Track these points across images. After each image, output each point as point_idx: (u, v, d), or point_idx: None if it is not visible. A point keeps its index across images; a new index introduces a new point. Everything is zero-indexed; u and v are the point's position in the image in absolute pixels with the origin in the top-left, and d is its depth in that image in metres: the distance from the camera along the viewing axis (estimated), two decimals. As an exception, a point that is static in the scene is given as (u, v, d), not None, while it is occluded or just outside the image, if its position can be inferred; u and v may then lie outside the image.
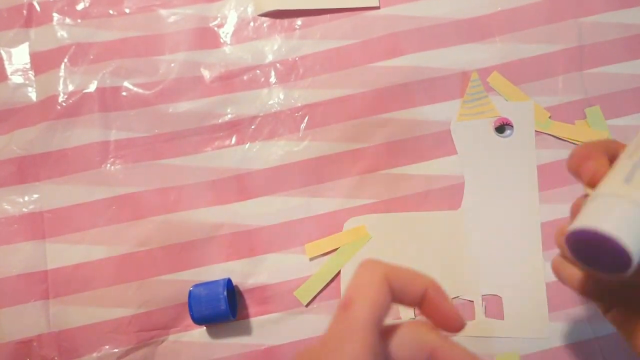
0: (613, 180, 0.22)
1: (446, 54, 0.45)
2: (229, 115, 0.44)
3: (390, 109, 0.44)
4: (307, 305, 0.41)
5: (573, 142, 0.43)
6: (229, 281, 0.40)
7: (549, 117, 0.43)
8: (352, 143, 0.44)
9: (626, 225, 0.20)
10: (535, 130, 0.43)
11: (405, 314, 0.40)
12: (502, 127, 0.43)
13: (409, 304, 0.23)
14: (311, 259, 0.42)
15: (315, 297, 0.41)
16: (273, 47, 0.46)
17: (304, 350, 0.22)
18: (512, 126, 0.43)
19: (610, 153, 0.25)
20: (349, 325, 0.21)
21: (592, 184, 0.24)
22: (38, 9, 0.46)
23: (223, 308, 0.38)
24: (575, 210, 0.26)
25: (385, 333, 0.22)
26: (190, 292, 0.39)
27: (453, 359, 0.22)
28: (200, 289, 0.39)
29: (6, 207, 0.43)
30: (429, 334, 0.22)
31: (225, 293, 0.38)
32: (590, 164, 0.25)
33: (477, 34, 0.45)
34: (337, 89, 0.44)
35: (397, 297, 0.22)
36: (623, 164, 0.23)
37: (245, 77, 0.45)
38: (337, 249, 0.42)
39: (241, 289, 0.41)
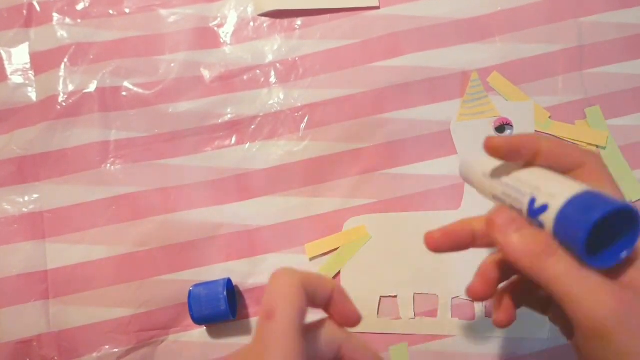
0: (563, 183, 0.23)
1: (446, 54, 0.45)
2: (229, 115, 0.44)
3: (390, 109, 0.44)
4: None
5: (573, 142, 0.43)
6: (229, 281, 0.40)
7: (549, 117, 0.43)
8: (352, 143, 0.44)
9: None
10: (535, 131, 0.43)
11: (404, 313, 0.40)
12: (502, 127, 0.43)
13: (319, 306, 0.26)
14: (311, 259, 0.42)
15: (315, 297, 0.41)
16: (273, 47, 0.46)
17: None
18: (512, 126, 0.43)
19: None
20: (273, 335, 0.22)
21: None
22: (38, 9, 0.46)
23: (223, 308, 0.38)
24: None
25: (306, 332, 0.24)
26: (190, 292, 0.39)
27: (355, 353, 0.25)
28: (200, 289, 0.39)
29: (6, 207, 0.43)
30: (337, 331, 0.25)
31: (225, 293, 0.38)
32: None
33: (477, 34, 0.45)
34: (337, 89, 0.44)
35: (310, 301, 0.24)
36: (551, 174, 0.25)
37: (245, 77, 0.45)
38: (337, 248, 0.42)
39: (241, 289, 0.42)
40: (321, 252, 0.42)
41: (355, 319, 0.26)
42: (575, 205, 0.21)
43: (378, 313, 0.41)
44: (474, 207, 0.42)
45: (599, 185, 0.24)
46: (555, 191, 0.22)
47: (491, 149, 0.27)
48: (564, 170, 0.25)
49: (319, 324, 0.25)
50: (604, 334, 0.21)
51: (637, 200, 0.42)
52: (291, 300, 0.23)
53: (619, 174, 0.42)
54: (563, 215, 0.22)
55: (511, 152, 0.27)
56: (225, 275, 0.41)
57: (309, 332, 0.24)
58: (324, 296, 0.25)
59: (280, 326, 0.23)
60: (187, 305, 0.39)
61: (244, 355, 0.24)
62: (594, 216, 0.20)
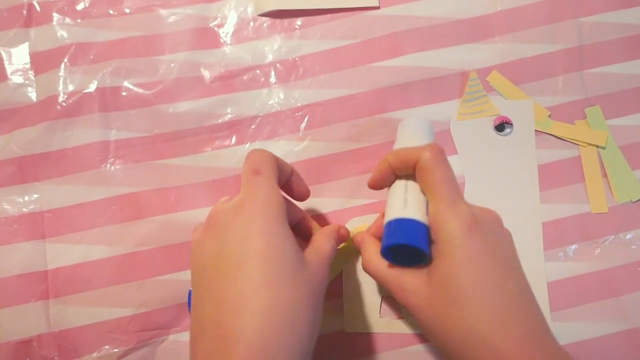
0: (395, 208, 0.32)
1: (446, 54, 0.45)
2: (229, 115, 0.44)
3: (390, 109, 0.44)
4: (307, 305, 0.41)
5: (573, 142, 0.43)
6: None
7: (549, 116, 0.43)
8: (352, 143, 0.44)
9: (412, 234, 0.30)
10: (535, 130, 0.43)
11: (406, 313, 0.40)
12: (501, 126, 0.43)
13: (282, 180, 0.34)
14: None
15: (315, 297, 0.41)
16: (273, 47, 0.46)
17: (221, 205, 0.31)
18: (511, 125, 0.43)
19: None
20: (260, 185, 0.31)
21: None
22: (38, 8, 0.46)
23: None
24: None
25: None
26: (190, 291, 0.39)
27: (309, 225, 0.37)
28: None
29: (6, 207, 0.43)
30: (297, 209, 0.37)
31: None
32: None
33: (477, 34, 0.45)
34: (337, 89, 0.45)
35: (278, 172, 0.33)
36: (399, 198, 0.33)
37: (245, 77, 0.45)
38: (338, 249, 0.42)
39: (241, 289, 0.41)
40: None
41: (306, 193, 0.37)
42: (388, 228, 0.32)
43: (380, 313, 0.41)
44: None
45: (427, 176, 0.31)
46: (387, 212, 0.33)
47: (371, 188, 0.36)
48: (412, 170, 0.32)
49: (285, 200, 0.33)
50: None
51: (637, 200, 0.42)
52: (272, 163, 0.32)
53: (619, 174, 0.42)
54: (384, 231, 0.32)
55: (381, 182, 0.35)
56: (225, 275, 0.41)
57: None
58: (285, 173, 0.34)
59: (266, 179, 0.31)
60: (187, 305, 0.39)
61: (234, 204, 0.30)
62: (385, 244, 0.31)
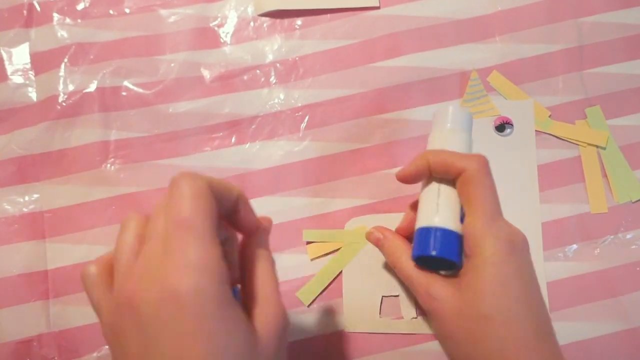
0: (428, 215, 0.32)
1: (446, 54, 0.45)
2: (229, 116, 0.44)
3: (390, 109, 0.44)
4: (308, 306, 0.41)
5: (573, 142, 0.43)
6: None
7: (549, 116, 0.43)
8: (352, 143, 0.44)
9: (443, 245, 0.31)
10: (536, 130, 0.43)
11: (406, 313, 0.40)
12: (502, 126, 0.43)
13: (225, 211, 0.25)
14: (312, 260, 0.42)
15: (316, 297, 0.41)
16: (273, 47, 0.46)
17: (142, 286, 0.22)
18: (512, 125, 0.43)
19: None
20: (191, 244, 0.21)
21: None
22: (38, 9, 0.46)
23: None
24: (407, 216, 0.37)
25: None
26: None
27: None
28: None
29: (6, 207, 0.43)
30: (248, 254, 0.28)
31: None
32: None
33: (477, 34, 0.45)
34: (337, 89, 0.45)
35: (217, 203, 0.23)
36: (432, 203, 0.32)
37: (245, 77, 0.45)
38: (339, 249, 0.42)
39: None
40: (323, 253, 0.42)
41: (254, 226, 0.28)
42: (419, 235, 0.32)
43: (380, 313, 0.41)
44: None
45: (470, 188, 0.31)
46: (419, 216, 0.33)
47: (400, 181, 0.34)
48: (453, 176, 0.31)
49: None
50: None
51: (637, 200, 0.42)
52: (208, 207, 0.22)
53: (620, 174, 0.42)
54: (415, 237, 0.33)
55: (414, 178, 0.33)
56: (225, 275, 0.41)
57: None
58: (230, 201, 0.25)
59: (199, 237, 0.21)
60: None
61: (166, 291, 0.21)
62: (416, 253, 0.32)
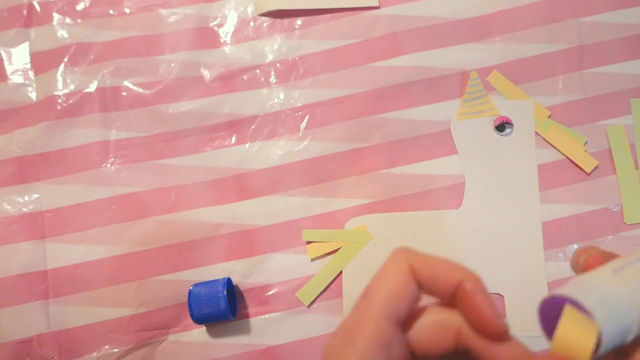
0: (602, 270, 0.22)
1: (446, 54, 0.45)
2: (229, 115, 0.44)
3: (390, 109, 0.44)
4: (308, 306, 0.41)
5: (564, 155, 0.43)
6: (229, 280, 0.40)
7: (549, 116, 0.43)
8: (352, 143, 0.44)
9: (605, 307, 0.20)
10: (535, 132, 0.43)
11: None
12: (502, 126, 0.43)
13: (440, 296, 0.21)
14: (312, 260, 0.42)
15: (316, 297, 0.41)
16: (273, 47, 0.46)
17: (328, 341, 0.21)
18: (512, 125, 0.43)
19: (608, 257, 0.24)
20: (362, 315, 0.20)
21: (587, 267, 0.24)
22: (38, 8, 0.46)
23: (223, 307, 0.38)
24: (574, 265, 0.25)
25: (410, 320, 0.21)
26: (190, 291, 0.39)
27: (478, 340, 0.20)
28: (200, 288, 0.39)
29: (6, 207, 0.43)
30: (454, 315, 0.20)
31: (225, 292, 0.38)
32: (587, 252, 0.25)
33: (477, 34, 0.45)
34: (337, 89, 0.44)
35: (427, 287, 0.21)
36: (615, 261, 0.23)
37: (245, 77, 0.45)
38: (339, 249, 0.42)
39: (241, 289, 0.41)
40: (323, 253, 0.42)
41: (491, 323, 0.20)
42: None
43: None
44: (475, 206, 0.42)
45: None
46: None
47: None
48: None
49: (429, 307, 0.21)
50: None
51: (637, 200, 0.42)
52: (389, 282, 0.20)
53: (632, 195, 0.42)
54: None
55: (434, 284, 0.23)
56: (225, 275, 0.41)
57: (414, 316, 0.21)
58: (446, 285, 0.21)
59: (370, 307, 0.20)
60: (187, 305, 0.39)
61: (339, 331, 0.21)
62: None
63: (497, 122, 0.43)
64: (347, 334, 0.20)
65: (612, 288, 0.21)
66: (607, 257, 0.24)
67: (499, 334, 0.20)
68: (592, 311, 0.19)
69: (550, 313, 0.22)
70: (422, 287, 0.21)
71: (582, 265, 0.24)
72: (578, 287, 0.21)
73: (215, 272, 0.41)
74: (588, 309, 0.19)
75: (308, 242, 0.42)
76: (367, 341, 0.19)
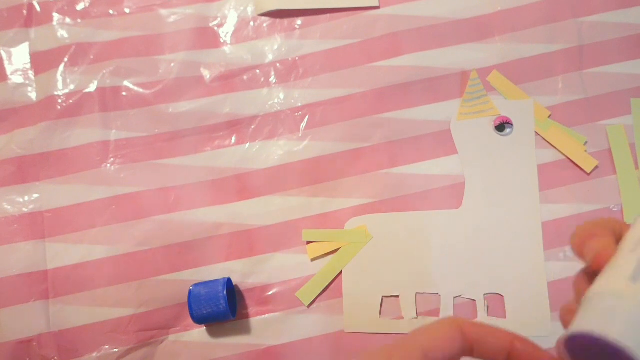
0: (617, 277, 0.20)
1: (446, 54, 0.45)
2: (229, 115, 0.44)
3: (390, 109, 0.44)
4: (308, 306, 0.41)
5: (564, 155, 0.43)
6: (229, 280, 0.40)
7: (549, 116, 0.43)
8: (352, 143, 0.44)
9: (633, 332, 0.18)
10: (535, 132, 0.43)
11: (406, 313, 0.40)
12: (502, 126, 0.43)
13: (491, 357, 0.22)
14: (312, 260, 0.42)
15: (316, 297, 0.41)
16: (273, 46, 0.46)
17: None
18: (512, 125, 0.43)
19: (616, 233, 0.23)
20: (403, 347, 0.22)
21: (597, 264, 0.22)
22: (38, 9, 0.46)
23: (223, 307, 0.38)
24: (577, 288, 0.24)
25: None
26: (190, 291, 0.39)
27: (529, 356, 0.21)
28: (200, 288, 0.39)
29: (6, 207, 0.43)
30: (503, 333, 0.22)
31: (225, 292, 0.38)
32: (594, 243, 0.23)
33: (477, 33, 0.45)
34: (337, 89, 0.45)
35: (477, 348, 0.21)
36: (627, 258, 0.21)
37: (245, 77, 0.45)
38: (339, 249, 0.42)
39: (241, 289, 0.41)
40: (323, 253, 0.42)
41: None
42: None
43: (380, 313, 0.41)
44: (475, 206, 0.42)
45: None
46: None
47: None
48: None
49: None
50: None
51: (637, 200, 0.42)
52: (435, 330, 0.22)
53: (633, 196, 0.42)
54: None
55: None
56: (225, 275, 0.41)
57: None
58: (497, 346, 0.22)
59: (412, 342, 0.22)
60: (187, 305, 0.39)
61: (378, 351, 0.23)
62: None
63: (497, 122, 0.43)
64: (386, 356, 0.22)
65: (634, 304, 0.19)
66: (613, 244, 0.23)
67: None
68: (619, 342, 0.18)
69: (574, 348, 0.20)
70: (471, 349, 0.21)
71: (591, 260, 0.22)
72: (598, 315, 0.20)
73: (215, 272, 0.41)
74: (616, 344, 0.18)
75: (308, 242, 0.42)
76: None
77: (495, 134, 0.43)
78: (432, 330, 0.22)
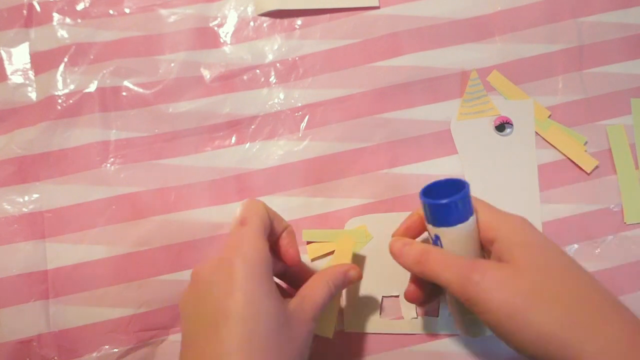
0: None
1: (446, 54, 0.45)
2: (229, 115, 0.44)
3: (390, 109, 0.44)
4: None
5: (564, 154, 0.43)
6: None
7: (549, 116, 0.43)
8: (352, 143, 0.44)
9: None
10: (535, 132, 0.43)
11: (406, 313, 0.40)
12: (502, 126, 0.43)
13: (272, 235, 0.33)
14: (313, 260, 0.42)
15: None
16: (273, 46, 0.46)
17: (204, 263, 0.30)
18: (512, 125, 0.43)
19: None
20: (246, 236, 0.30)
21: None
22: (38, 8, 0.46)
23: None
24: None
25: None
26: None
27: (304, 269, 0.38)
28: None
29: (6, 207, 0.43)
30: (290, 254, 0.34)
31: None
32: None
33: (477, 33, 0.45)
34: (337, 89, 0.45)
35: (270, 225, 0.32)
36: None
37: (245, 77, 0.45)
38: (337, 250, 0.42)
39: (241, 288, 0.41)
40: (323, 253, 0.42)
41: (293, 258, 0.34)
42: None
43: (380, 313, 0.41)
44: (475, 206, 0.42)
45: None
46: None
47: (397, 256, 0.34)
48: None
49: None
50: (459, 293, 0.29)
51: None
52: (261, 214, 0.31)
53: (623, 174, 0.42)
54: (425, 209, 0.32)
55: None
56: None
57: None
58: (277, 228, 0.33)
59: (251, 230, 0.30)
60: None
61: (216, 261, 0.30)
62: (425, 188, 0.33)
63: (497, 122, 0.43)
64: (232, 249, 0.30)
65: None
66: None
67: (294, 262, 0.34)
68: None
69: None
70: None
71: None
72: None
73: (215, 272, 0.41)
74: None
75: (308, 242, 0.42)
76: (253, 250, 0.30)
77: (495, 134, 0.43)
78: (259, 218, 0.32)
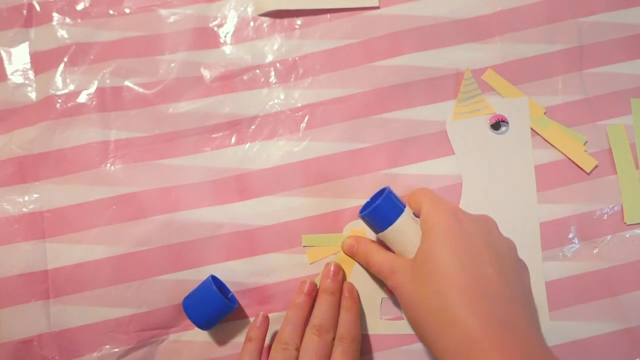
0: None
1: (446, 54, 0.45)
2: (229, 115, 0.44)
3: (390, 109, 0.44)
4: (307, 306, 0.41)
5: (562, 153, 0.43)
6: (214, 277, 0.40)
7: (545, 113, 0.43)
8: (352, 143, 0.44)
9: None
10: (533, 130, 0.43)
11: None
12: (497, 124, 0.43)
13: None
14: (312, 264, 0.42)
15: (315, 297, 0.41)
16: (273, 47, 0.46)
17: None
18: (507, 123, 0.43)
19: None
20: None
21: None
22: (38, 8, 0.46)
23: (220, 302, 0.38)
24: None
25: None
26: (183, 306, 0.39)
27: None
28: (190, 298, 0.39)
29: (6, 207, 0.43)
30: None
31: (214, 287, 0.38)
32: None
33: (477, 33, 0.45)
34: (337, 89, 0.45)
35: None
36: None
37: (245, 77, 0.45)
38: (339, 252, 0.42)
39: (241, 288, 0.42)
40: (322, 257, 0.42)
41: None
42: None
43: (380, 314, 0.41)
44: (472, 206, 0.42)
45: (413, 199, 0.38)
46: None
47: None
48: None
49: None
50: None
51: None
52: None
53: (623, 174, 0.42)
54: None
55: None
56: (225, 275, 0.41)
57: None
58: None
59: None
60: (187, 305, 0.39)
61: None
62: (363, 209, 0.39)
63: (493, 121, 0.43)
64: None
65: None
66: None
67: None
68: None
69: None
70: None
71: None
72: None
73: (215, 272, 0.41)
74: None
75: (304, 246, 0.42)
76: None
77: (491, 133, 0.43)
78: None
